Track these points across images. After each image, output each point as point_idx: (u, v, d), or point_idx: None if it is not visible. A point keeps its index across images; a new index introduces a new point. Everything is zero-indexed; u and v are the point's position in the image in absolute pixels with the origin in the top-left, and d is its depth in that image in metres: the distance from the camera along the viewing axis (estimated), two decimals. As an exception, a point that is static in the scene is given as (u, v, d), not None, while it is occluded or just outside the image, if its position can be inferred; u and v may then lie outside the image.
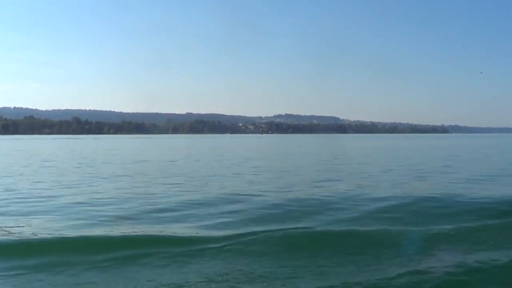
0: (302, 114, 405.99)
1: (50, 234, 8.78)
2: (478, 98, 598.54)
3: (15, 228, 9.49)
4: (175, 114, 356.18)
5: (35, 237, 8.54)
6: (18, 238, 8.46)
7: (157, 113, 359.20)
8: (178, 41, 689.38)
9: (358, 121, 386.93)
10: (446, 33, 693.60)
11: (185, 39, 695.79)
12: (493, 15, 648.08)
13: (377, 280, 6.34)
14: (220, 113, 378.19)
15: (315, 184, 17.44)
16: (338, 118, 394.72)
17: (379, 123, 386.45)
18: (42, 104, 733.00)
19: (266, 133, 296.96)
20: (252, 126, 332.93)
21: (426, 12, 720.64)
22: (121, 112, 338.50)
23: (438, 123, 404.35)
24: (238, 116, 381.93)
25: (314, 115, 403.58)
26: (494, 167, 25.19)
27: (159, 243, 8.14)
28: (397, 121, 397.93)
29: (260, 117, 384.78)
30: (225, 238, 8.43)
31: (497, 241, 8.37)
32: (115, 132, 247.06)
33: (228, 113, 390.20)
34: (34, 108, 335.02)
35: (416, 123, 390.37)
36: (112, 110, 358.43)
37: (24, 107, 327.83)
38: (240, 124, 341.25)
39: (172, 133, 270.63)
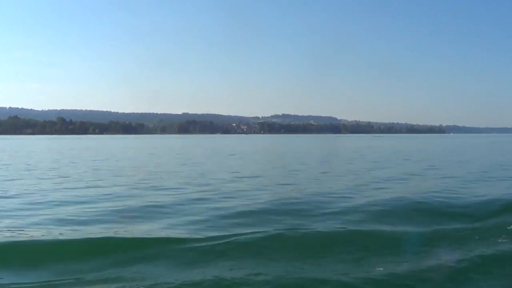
0: (300, 114, 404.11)
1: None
2: (477, 98, 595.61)
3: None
4: (171, 114, 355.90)
5: (38, 238, 8.59)
6: (27, 239, 8.51)
7: (153, 113, 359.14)
8: (177, 41, 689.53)
9: (355, 121, 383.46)
10: (445, 32, 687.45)
11: (184, 39, 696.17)
12: (492, 15, 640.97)
13: (377, 280, 6.39)
14: (217, 113, 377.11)
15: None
16: (335, 118, 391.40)
17: (376, 123, 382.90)
18: (40, 104, 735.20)
19: (258, 133, 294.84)
20: (245, 126, 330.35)
21: (424, 12, 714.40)
22: (117, 112, 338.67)
23: (437, 123, 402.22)
24: (235, 116, 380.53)
25: (311, 115, 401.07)
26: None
27: (161, 244, 8.15)
28: (396, 121, 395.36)
29: (257, 117, 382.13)
30: (225, 237, 8.46)
31: (497, 240, 8.34)
32: (101, 132, 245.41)
33: (226, 113, 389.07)
34: (29, 108, 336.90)
35: (415, 123, 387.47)
36: (109, 110, 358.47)
37: (20, 107, 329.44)
38: (234, 124, 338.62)
39: (160, 134, 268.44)
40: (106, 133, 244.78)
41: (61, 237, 8.63)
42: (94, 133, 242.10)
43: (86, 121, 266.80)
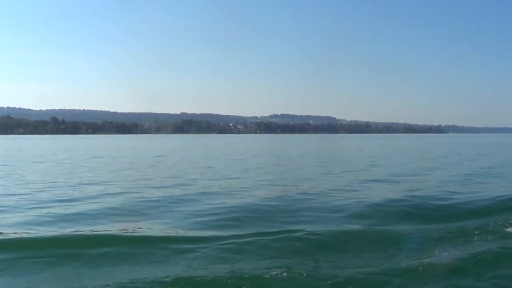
0: (298, 114, 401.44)
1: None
2: (476, 98, 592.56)
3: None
4: (169, 114, 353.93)
5: (30, 235, 8.79)
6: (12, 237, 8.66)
7: (151, 113, 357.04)
8: (177, 41, 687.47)
9: (354, 121, 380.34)
10: (444, 32, 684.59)
11: (184, 40, 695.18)
12: (491, 15, 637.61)
13: (377, 280, 6.47)
14: (216, 113, 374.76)
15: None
16: (334, 118, 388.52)
17: (374, 123, 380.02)
18: (38, 104, 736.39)
19: (254, 133, 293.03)
20: (242, 126, 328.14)
21: (423, 12, 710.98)
22: (115, 112, 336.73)
23: (436, 123, 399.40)
24: (233, 116, 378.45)
25: (310, 115, 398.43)
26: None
27: (157, 241, 8.43)
28: (395, 121, 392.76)
29: (256, 117, 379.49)
30: (228, 237, 8.57)
31: (496, 240, 8.35)
32: (93, 132, 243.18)
33: (224, 113, 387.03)
34: (27, 108, 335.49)
35: (413, 123, 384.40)
36: (108, 110, 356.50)
37: (17, 107, 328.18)
38: (231, 124, 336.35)
39: (154, 133, 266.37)
40: (99, 133, 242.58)
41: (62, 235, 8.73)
42: (86, 132, 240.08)
43: (80, 121, 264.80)
